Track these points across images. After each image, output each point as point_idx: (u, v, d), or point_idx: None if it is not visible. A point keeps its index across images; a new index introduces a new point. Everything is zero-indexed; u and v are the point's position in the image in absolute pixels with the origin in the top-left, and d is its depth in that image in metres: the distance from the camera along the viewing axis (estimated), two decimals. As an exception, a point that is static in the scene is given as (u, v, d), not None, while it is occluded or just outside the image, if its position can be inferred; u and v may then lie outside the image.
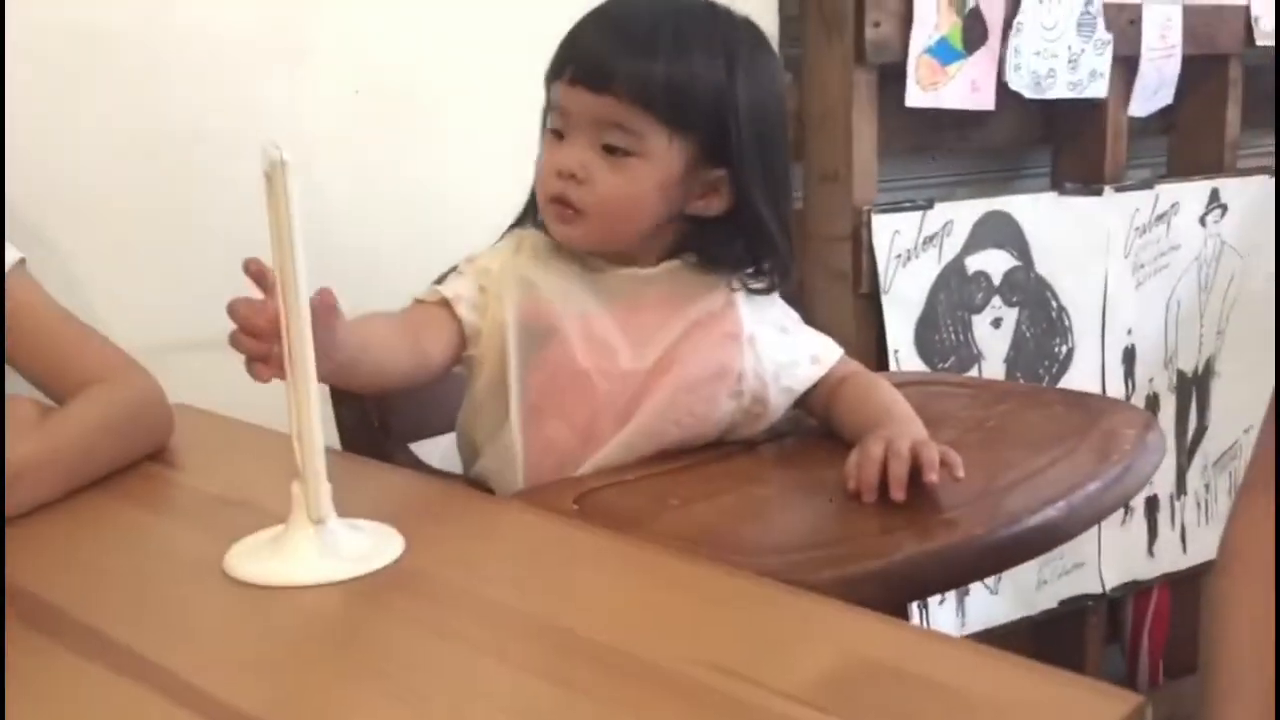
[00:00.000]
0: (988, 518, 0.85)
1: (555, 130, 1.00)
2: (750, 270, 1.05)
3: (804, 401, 1.08)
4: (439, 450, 1.22)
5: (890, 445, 0.90)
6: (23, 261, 1.03)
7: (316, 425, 0.72)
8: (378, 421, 1.10)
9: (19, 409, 0.96)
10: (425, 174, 1.47)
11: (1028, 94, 1.80)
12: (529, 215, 1.07)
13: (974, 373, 1.82)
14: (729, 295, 1.04)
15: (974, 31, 1.75)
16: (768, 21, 1.69)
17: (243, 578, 0.74)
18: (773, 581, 0.69)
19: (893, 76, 1.71)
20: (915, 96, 1.71)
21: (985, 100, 1.77)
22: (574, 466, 1.00)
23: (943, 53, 1.72)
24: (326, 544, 0.75)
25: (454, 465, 1.21)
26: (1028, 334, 1.88)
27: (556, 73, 1.00)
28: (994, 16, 1.75)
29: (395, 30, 1.43)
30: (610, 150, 0.97)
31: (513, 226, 1.08)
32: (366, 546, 0.77)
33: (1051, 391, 1.48)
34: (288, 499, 0.76)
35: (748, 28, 1.04)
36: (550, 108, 1.01)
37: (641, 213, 0.99)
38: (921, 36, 1.69)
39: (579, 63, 0.98)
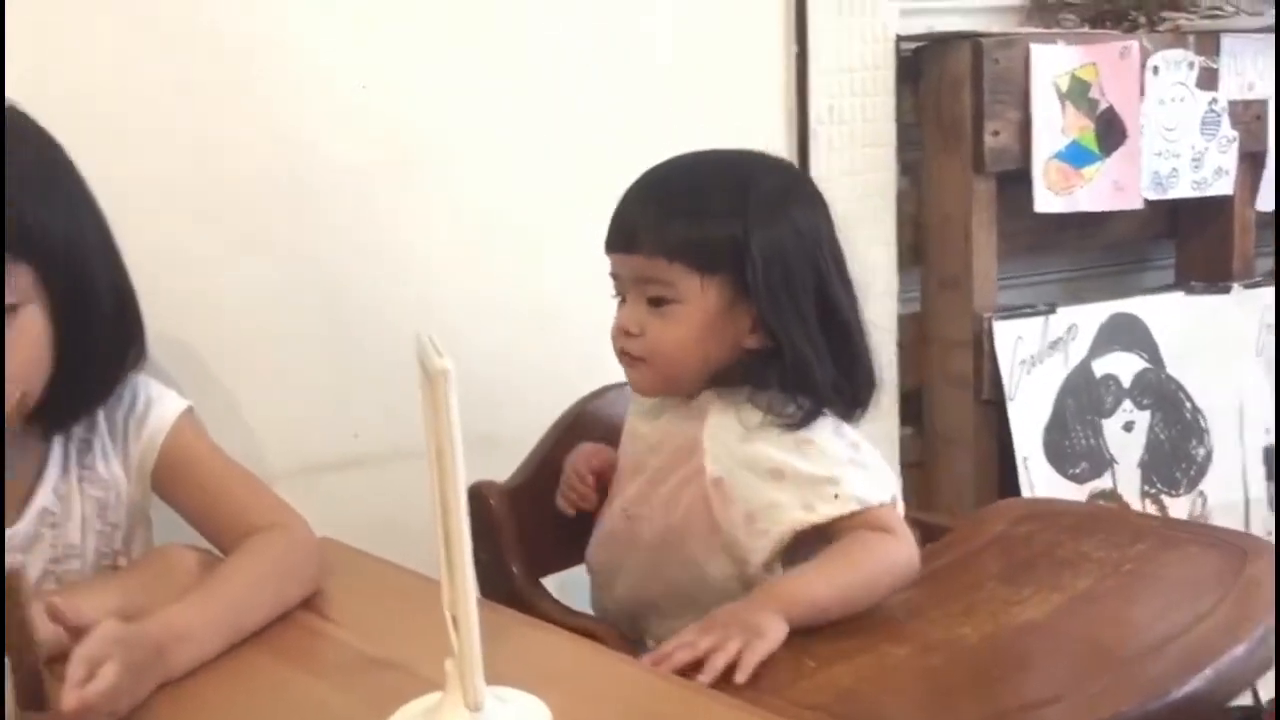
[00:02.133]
0: (1137, 690, 0.84)
1: (618, 294, 1.13)
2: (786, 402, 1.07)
3: (797, 548, 1.06)
4: (557, 583, 1.26)
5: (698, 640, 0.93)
6: (190, 409, 1.08)
7: (473, 614, 0.74)
8: (513, 564, 1.13)
9: (183, 559, 1.01)
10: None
11: (1150, 195, 1.79)
12: None
13: (1108, 478, 1.79)
14: (703, 438, 1.08)
15: (1110, 132, 1.73)
16: (884, 128, 1.71)
17: (396, 754, 0.77)
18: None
19: (1012, 180, 1.71)
20: (1046, 201, 1.71)
21: (1132, 199, 1.76)
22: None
23: (1075, 156, 1.72)
24: (479, 726, 0.77)
25: (572, 597, 1.25)
26: (1162, 437, 1.84)
27: (606, 243, 1.13)
28: (1130, 115, 1.74)
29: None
30: (655, 302, 1.08)
31: None
32: (515, 722, 0.79)
33: (1186, 529, 1.45)
34: (436, 660, 0.78)
35: (781, 176, 1.14)
36: (611, 273, 1.13)
37: (693, 353, 1.09)
38: (1047, 142, 1.69)
39: (615, 231, 1.11)
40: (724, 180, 1.11)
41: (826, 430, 1.07)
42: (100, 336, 1.00)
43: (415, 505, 1.40)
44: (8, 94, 1.00)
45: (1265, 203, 1.91)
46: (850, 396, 1.09)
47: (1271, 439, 1.93)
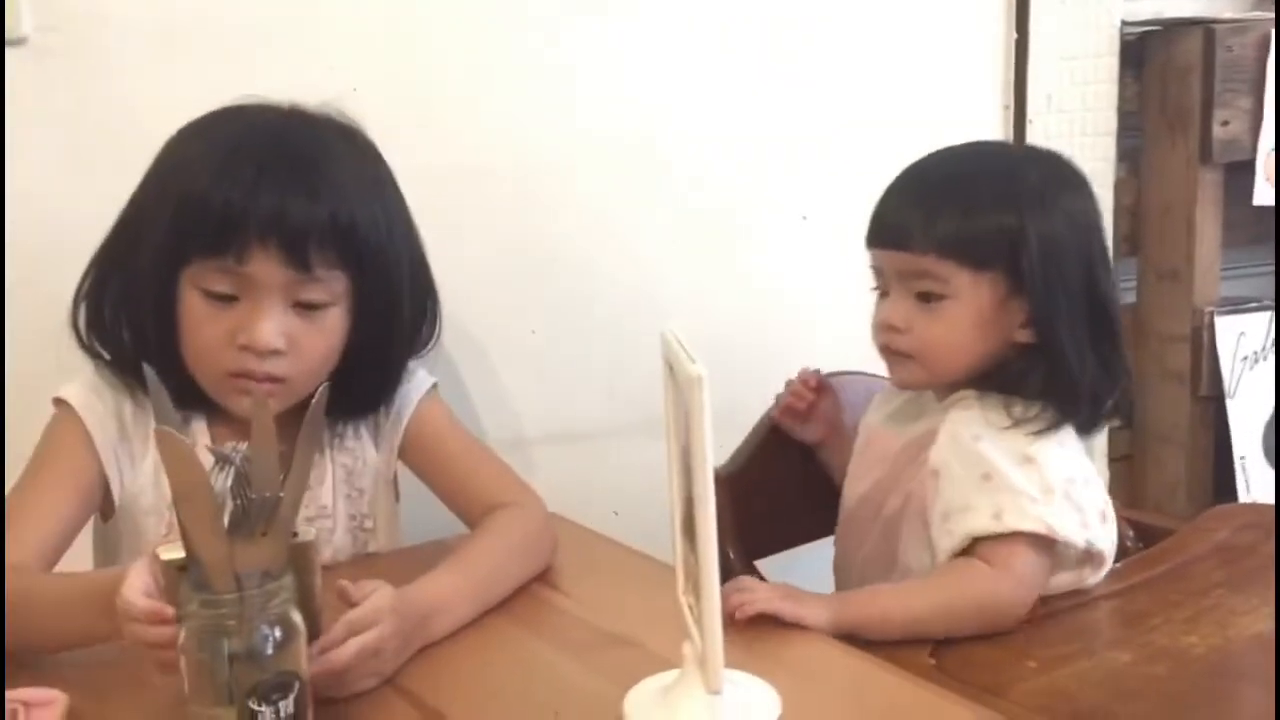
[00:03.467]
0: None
1: (879, 289, 1.12)
2: (1041, 404, 1.06)
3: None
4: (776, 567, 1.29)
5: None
6: (435, 387, 1.16)
7: (717, 603, 0.79)
8: (729, 549, 1.17)
9: None
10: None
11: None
12: None
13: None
14: (946, 428, 1.08)
15: (1334, 125, 1.66)
16: (1105, 117, 1.68)
17: (634, 725, 0.82)
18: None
19: (1235, 170, 1.66)
20: (1265, 194, 1.65)
21: (1343, 196, 1.69)
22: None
23: (1297, 148, 1.65)
24: (716, 707, 0.81)
25: (790, 579, 1.28)
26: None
27: (870, 239, 1.12)
28: (1358, 107, 1.66)
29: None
30: (924, 298, 1.08)
31: None
32: (749, 708, 0.83)
33: None
34: (670, 639, 0.83)
35: (1043, 163, 1.12)
36: (871, 266, 1.13)
37: (962, 348, 1.08)
38: (1271, 133, 1.63)
39: (881, 227, 1.11)
40: (992, 172, 1.10)
41: (1054, 450, 1.05)
42: (400, 340, 1.08)
43: (629, 483, 1.46)
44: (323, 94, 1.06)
45: None
46: (1105, 398, 1.08)
47: None
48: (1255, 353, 1.68)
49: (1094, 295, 1.07)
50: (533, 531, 1.08)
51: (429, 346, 1.13)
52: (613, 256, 1.47)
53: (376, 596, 0.87)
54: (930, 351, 1.08)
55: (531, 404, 1.47)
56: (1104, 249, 1.11)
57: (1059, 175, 1.11)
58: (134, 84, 1.22)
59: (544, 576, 1.08)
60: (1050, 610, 1.03)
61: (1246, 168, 1.64)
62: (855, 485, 1.18)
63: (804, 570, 1.42)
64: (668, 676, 0.85)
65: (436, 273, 1.38)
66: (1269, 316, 1.68)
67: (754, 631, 0.95)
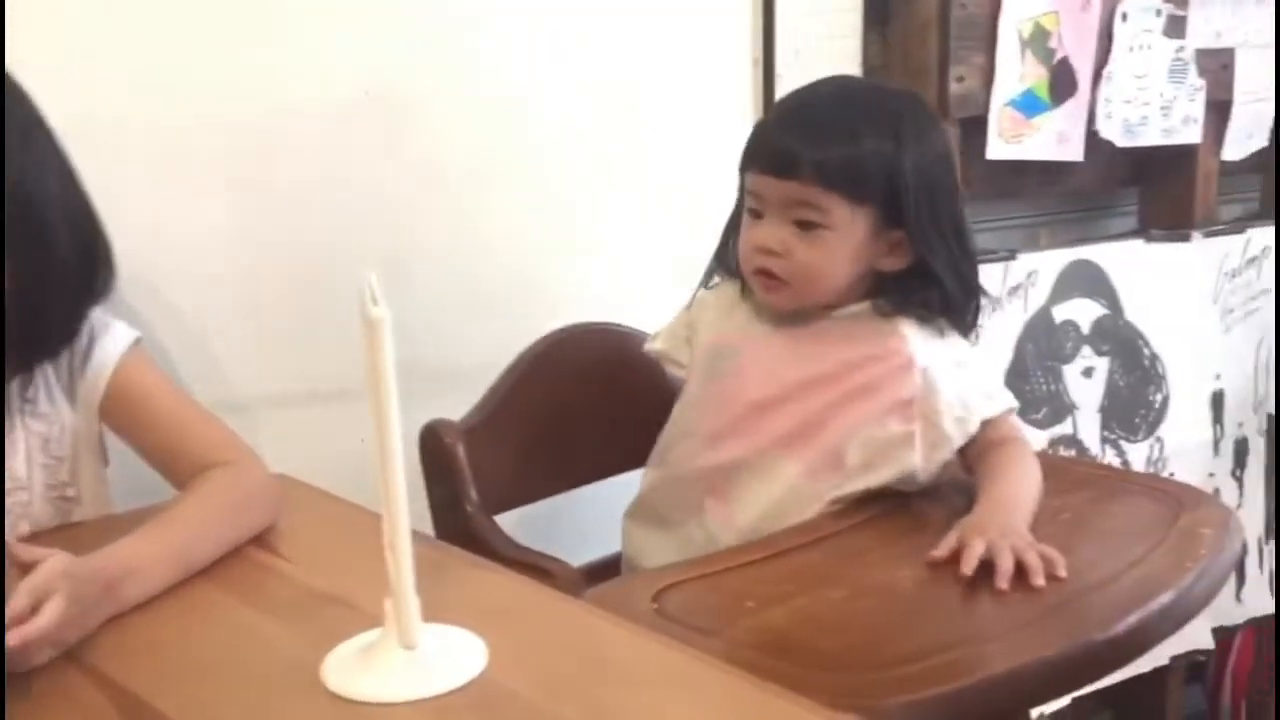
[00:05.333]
0: (1061, 634, 0.87)
1: (753, 211, 1.16)
2: (928, 315, 1.16)
3: (963, 449, 1.15)
4: (514, 520, 1.28)
5: (992, 547, 0.96)
6: (139, 340, 1.08)
7: (407, 556, 0.76)
8: (467, 503, 1.14)
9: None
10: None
11: (1120, 142, 1.79)
12: (722, 265, 1.24)
13: (1068, 424, 1.82)
14: (903, 333, 1.15)
15: (1062, 83, 1.74)
16: (853, 70, 1.70)
17: (333, 689, 0.78)
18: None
19: (976, 126, 1.71)
20: (997, 149, 1.71)
21: (1074, 151, 1.77)
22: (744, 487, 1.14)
23: (1028, 105, 1.72)
24: (415, 661, 0.79)
25: (529, 535, 1.27)
26: (1121, 383, 1.87)
27: (749, 163, 1.16)
28: (1083, 67, 1.74)
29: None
30: (803, 225, 1.12)
31: (707, 275, 1.25)
32: (452, 659, 0.80)
33: (1131, 478, 1.48)
34: (383, 596, 0.80)
35: (910, 100, 1.20)
36: (748, 191, 1.16)
37: (835, 275, 1.14)
38: (1004, 89, 1.69)
39: (768, 155, 1.14)
40: (873, 108, 1.15)
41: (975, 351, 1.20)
42: (59, 280, 0.99)
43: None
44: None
45: (1230, 152, 1.92)
46: (972, 316, 1.19)
47: (1220, 385, 1.96)
48: (993, 300, 1.74)
49: (956, 222, 1.15)
50: (247, 491, 1.03)
51: (106, 292, 1.05)
52: (357, 212, 1.41)
53: (49, 561, 0.81)
54: (804, 276, 1.13)
55: (271, 362, 1.40)
56: (957, 179, 1.20)
57: (924, 110, 1.19)
58: None
59: (260, 539, 1.02)
60: (775, 549, 1.04)
61: (979, 123, 1.70)
62: (754, 389, 1.16)
63: (545, 523, 1.42)
64: (371, 635, 0.82)
65: (162, 225, 1.31)
66: (1004, 267, 1.75)
67: (466, 582, 0.93)
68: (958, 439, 1.13)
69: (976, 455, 1.14)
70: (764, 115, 1.16)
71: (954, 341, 1.18)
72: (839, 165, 1.10)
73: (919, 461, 1.13)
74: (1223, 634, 2.05)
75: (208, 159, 1.31)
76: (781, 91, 1.65)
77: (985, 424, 1.14)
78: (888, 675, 0.82)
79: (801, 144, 1.11)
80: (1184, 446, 1.92)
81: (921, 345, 1.15)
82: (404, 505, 0.75)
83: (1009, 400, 1.19)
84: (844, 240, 1.12)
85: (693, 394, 1.21)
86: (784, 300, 1.16)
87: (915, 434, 1.12)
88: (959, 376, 1.15)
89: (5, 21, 1.08)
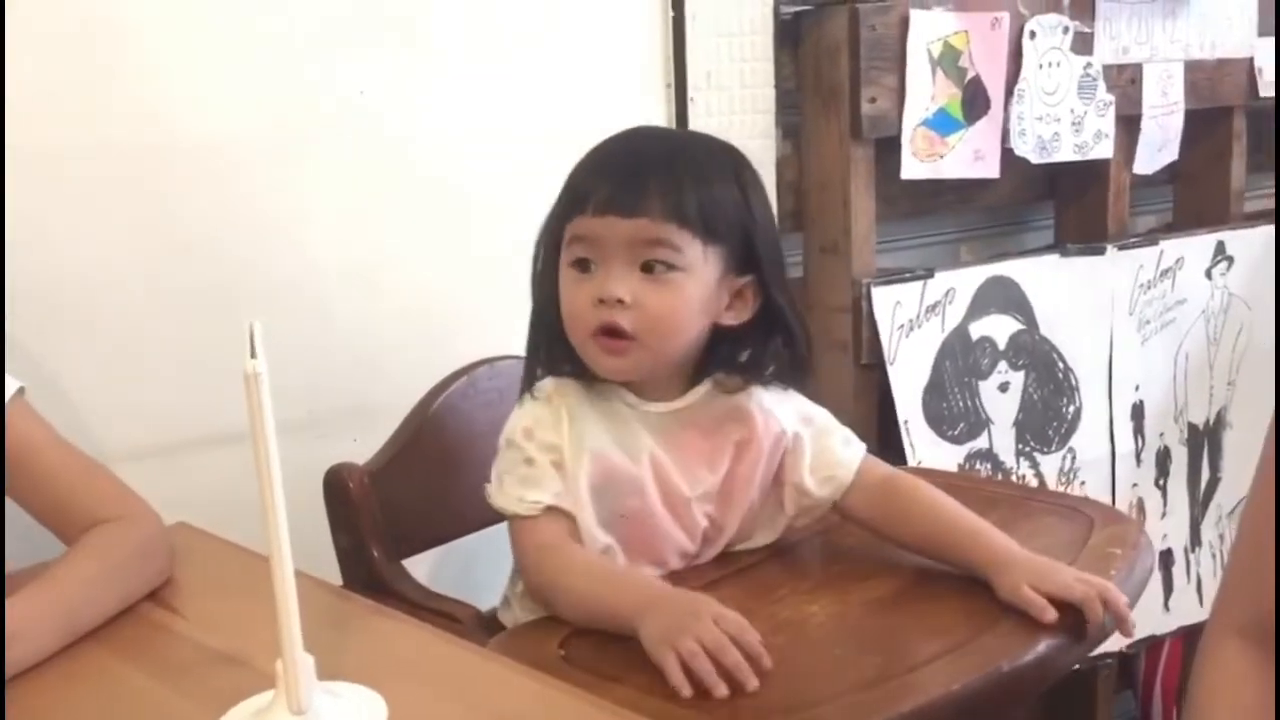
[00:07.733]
0: (968, 670, 0.86)
1: (580, 262, 1.03)
2: (771, 370, 1.09)
3: (843, 500, 1.10)
4: (426, 565, 1.25)
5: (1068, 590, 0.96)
6: (22, 391, 1.04)
7: (293, 611, 0.74)
8: (374, 548, 1.12)
9: None
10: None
11: (1034, 159, 1.80)
12: (541, 364, 1.09)
13: (984, 439, 1.82)
14: (764, 405, 1.09)
15: (975, 101, 1.75)
16: (763, 94, 1.70)
17: (225, 758, 0.76)
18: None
19: (892, 146, 1.72)
20: (912, 169, 1.72)
21: (989, 168, 1.78)
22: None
23: (941, 124, 1.73)
24: (308, 725, 0.76)
25: (446, 576, 1.24)
26: (1035, 396, 1.88)
27: (578, 208, 1.03)
28: (995, 85, 1.75)
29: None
30: (649, 269, 1.01)
31: (527, 382, 1.09)
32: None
33: (1041, 496, 1.48)
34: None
35: (740, 154, 1.11)
36: (573, 242, 1.04)
37: (689, 326, 1.04)
38: (917, 109, 1.70)
39: (608, 191, 1.01)
40: (711, 151, 1.08)
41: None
42: None
43: (288, 487, 1.38)
44: None
45: (1141, 165, 1.94)
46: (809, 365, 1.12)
47: (1139, 396, 1.98)
48: (910, 321, 1.74)
49: (782, 274, 1.09)
50: (139, 547, 0.99)
51: None
52: (257, 246, 1.37)
53: None
54: (656, 330, 1.01)
55: (173, 406, 1.36)
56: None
57: (747, 160, 1.10)
58: None
59: (156, 595, 0.99)
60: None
61: (895, 143, 1.70)
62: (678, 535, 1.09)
63: (465, 562, 1.39)
64: (264, 698, 0.80)
65: (48, 265, 1.27)
66: (921, 285, 1.75)
67: (369, 634, 0.90)
68: (829, 498, 1.10)
69: (865, 501, 1.10)
70: (580, 161, 1.07)
71: (792, 396, 1.11)
72: (693, 200, 1.01)
73: (796, 524, 1.12)
74: (1152, 643, 2.07)
75: (100, 193, 1.27)
76: (695, 115, 1.65)
77: (858, 471, 1.10)
78: (802, 718, 0.81)
79: (648, 179, 1.01)
80: (1095, 457, 1.94)
81: (778, 410, 1.10)
82: (288, 565, 0.73)
83: (859, 443, 1.14)
84: (697, 284, 1.01)
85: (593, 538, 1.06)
86: (629, 366, 1.03)
87: (785, 502, 1.11)
88: (812, 435, 1.11)
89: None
